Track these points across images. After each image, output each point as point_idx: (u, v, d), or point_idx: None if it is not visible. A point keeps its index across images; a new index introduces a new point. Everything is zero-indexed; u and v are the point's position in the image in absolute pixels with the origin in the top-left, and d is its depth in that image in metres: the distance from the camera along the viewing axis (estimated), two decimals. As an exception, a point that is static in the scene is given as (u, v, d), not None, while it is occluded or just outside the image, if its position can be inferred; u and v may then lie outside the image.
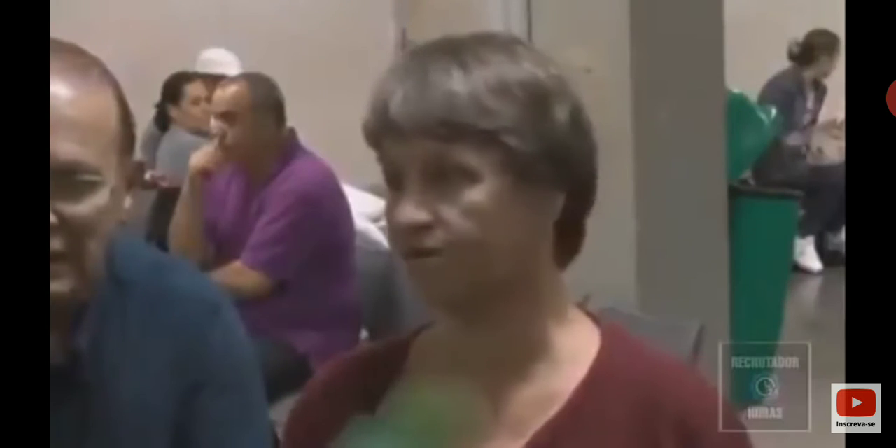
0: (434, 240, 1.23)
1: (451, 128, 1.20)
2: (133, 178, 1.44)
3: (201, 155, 3.97)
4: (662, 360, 1.35)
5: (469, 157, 1.21)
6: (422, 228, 1.22)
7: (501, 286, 1.26)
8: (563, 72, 1.28)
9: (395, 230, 1.25)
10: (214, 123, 3.93)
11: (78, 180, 1.34)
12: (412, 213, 1.22)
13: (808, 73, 7.59)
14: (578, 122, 1.27)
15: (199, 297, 1.53)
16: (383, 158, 1.26)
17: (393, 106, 1.23)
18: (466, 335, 1.30)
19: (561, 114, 1.25)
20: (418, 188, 1.23)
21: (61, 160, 1.32)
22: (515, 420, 1.28)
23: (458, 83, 1.21)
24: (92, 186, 1.35)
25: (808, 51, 7.55)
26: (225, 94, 3.92)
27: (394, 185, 1.25)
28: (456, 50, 1.24)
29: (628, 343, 1.34)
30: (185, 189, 4.00)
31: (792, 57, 7.57)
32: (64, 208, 1.33)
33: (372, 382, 1.34)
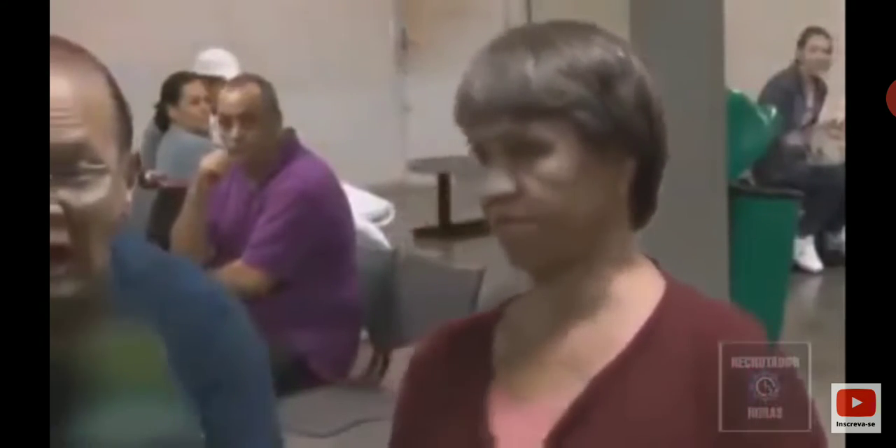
0: (518, 208, 1.39)
1: (525, 107, 1.37)
2: (132, 172, 1.42)
3: (213, 159, 3.96)
4: (722, 311, 1.46)
5: (544, 131, 1.37)
6: (506, 198, 1.39)
7: (579, 248, 1.42)
8: (630, 54, 1.45)
9: (484, 201, 1.41)
10: (232, 128, 3.89)
11: (82, 168, 1.31)
12: (497, 184, 1.39)
13: (801, 69, 7.61)
14: (643, 97, 1.43)
15: (209, 298, 1.51)
16: (471, 138, 1.43)
17: (475, 91, 1.40)
18: (542, 287, 1.46)
19: (625, 91, 1.41)
20: (502, 162, 1.39)
21: (66, 144, 1.30)
22: (581, 362, 1.41)
23: (530, 69, 1.37)
24: (96, 175, 1.33)
25: (797, 48, 7.62)
26: (238, 96, 3.91)
27: (483, 161, 1.42)
28: (532, 38, 1.41)
29: (690, 294, 1.46)
30: (191, 191, 3.99)
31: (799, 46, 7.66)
32: (68, 198, 1.31)
33: (473, 343, 1.51)
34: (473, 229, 8.57)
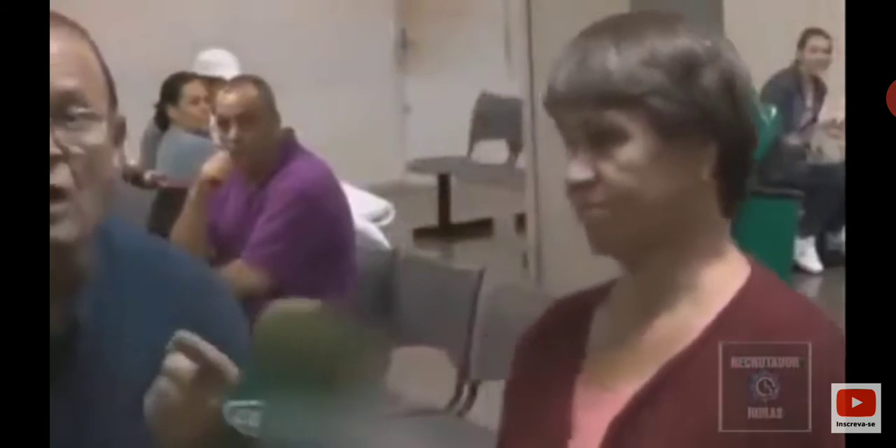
0: (597, 194, 1.42)
1: (604, 96, 1.40)
2: (119, 133, 1.46)
3: (214, 164, 3.95)
4: (799, 305, 1.48)
5: (621, 119, 1.40)
6: (587, 185, 1.42)
7: (659, 233, 1.45)
8: (719, 43, 1.47)
9: (567, 188, 1.44)
10: (231, 129, 3.89)
11: (78, 113, 1.37)
12: (577, 172, 1.41)
13: (801, 69, 7.61)
14: (730, 86, 1.44)
15: (197, 279, 1.53)
16: (560, 127, 1.45)
17: (558, 81, 1.42)
18: (630, 274, 1.50)
19: (709, 79, 1.43)
20: (584, 149, 1.42)
21: (61, 90, 1.36)
22: (660, 351, 1.44)
23: (611, 59, 1.40)
24: (90, 120, 1.38)
25: (802, 51, 7.62)
26: (236, 97, 3.91)
27: (570, 149, 1.44)
28: (617, 28, 1.44)
29: (770, 286, 1.49)
30: (192, 194, 3.99)
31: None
32: (66, 140, 1.35)
33: (574, 322, 1.57)
34: (473, 229, 8.58)
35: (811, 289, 7.22)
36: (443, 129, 9.26)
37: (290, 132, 4.01)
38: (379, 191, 5.79)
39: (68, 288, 1.41)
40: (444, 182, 8.62)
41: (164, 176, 5.81)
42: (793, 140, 7.44)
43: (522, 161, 5.89)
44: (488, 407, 3.99)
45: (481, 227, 8.52)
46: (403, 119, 10.39)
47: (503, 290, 3.90)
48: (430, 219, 8.45)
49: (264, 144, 3.90)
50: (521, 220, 6.82)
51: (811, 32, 7.61)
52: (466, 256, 7.56)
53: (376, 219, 5.37)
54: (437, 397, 3.97)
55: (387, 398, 3.87)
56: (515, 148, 8.14)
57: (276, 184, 3.89)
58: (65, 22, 1.43)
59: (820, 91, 7.73)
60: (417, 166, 9.02)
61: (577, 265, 4.13)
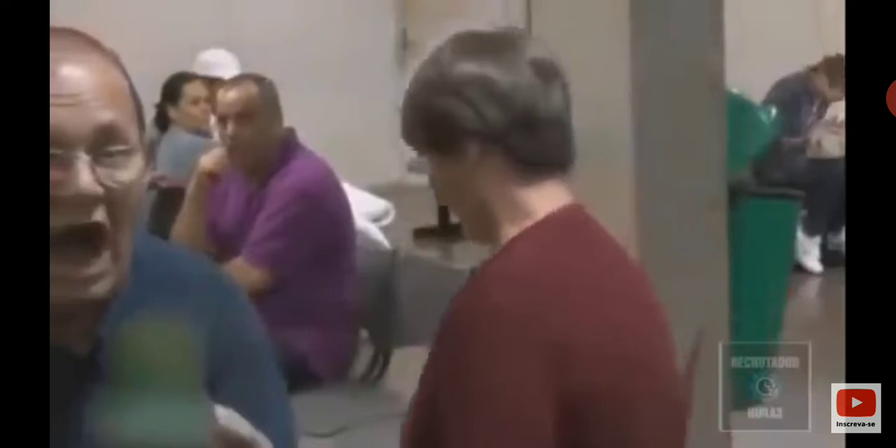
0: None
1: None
2: (149, 155, 1.44)
3: (211, 158, 3.96)
4: (508, 268, 1.68)
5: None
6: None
7: (469, 212, 1.83)
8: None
9: None
10: (228, 126, 3.90)
11: (115, 150, 1.34)
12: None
13: (820, 82, 7.54)
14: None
15: (211, 280, 1.52)
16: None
17: None
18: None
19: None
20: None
21: (99, 125, 1.33)
22: None
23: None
24: (127, 156, 1.35)
25: (828, 74, 7.47)
26: (235, 95, 3.91)
27: None
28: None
29: (525, 245, 1.73)
30: (190, 190, 3.99)
31: (814, 69, 7.55)
32: (105, 178, 1.32)
33: None
34: (473, 229, 8.58)
35: (811, 289, 7.21)
36: (443, 129, 9.24)
37: (291, 131, 4.01)
38: (379, 191, 5.79)
39: (94, 311, 1.40)
40: (444, 182, 8.61)
41: (164, 176, 5.81)
42: (792, 140, 7.43)
43: (522, 161, 5.86)
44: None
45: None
46: (403, 119, 10.38)
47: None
48: (430, 219, 8.44)
49: (262, 142, 3.90)
50: (521, 220, 6.80)
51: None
52: (466, 256, 7.56)
53: (376, 219, 5.37)
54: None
55: (387, 398, 3.87)
56: (515, 148, 8.13)
57: (277, 182, 3.89)
58: (96, 48, 1.39)
59: (823, 104, 7.70)
60: (417, 166, 8.99)
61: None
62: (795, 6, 8.55)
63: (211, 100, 5.86)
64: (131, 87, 1.41)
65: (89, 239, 1.33)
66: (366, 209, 5.09)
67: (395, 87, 10.42)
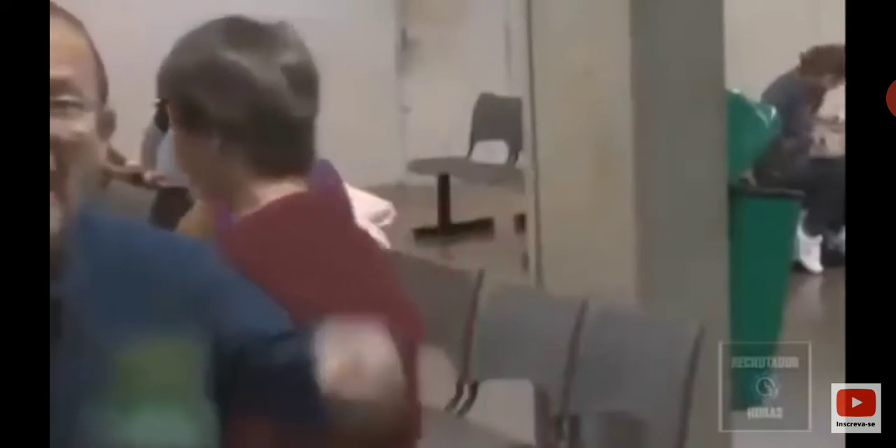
0: None
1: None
2: (107, 126, 1.48)
3: None
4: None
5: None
6: None
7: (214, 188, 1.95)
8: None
9: None
10: None
11: (66, 100, 1.40)
12: None
13: (812, 81, 7.57)
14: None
15: (158, 236, 1.60)
16: None
17: None
18: None
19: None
20: None
21: (52, 78, 1.38)
22: None
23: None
24: (78, 109, 1.41)
25: (814, 66, 7.52)
26: None
27: None
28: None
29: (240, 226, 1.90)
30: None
31: (802, 65, 7.57)
32: (53, 127, 1.37)
33: None
34: (473, 229, 8.58)
35: (812, 289, 7.21)
36: (443, 129, 9.25)
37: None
38: (379, 191, 5.78)
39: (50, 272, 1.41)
40: (444, 182, 8.61)
41: (164, 176, 5.81)
42: (791, 140, 7.43)
43: (522, 161, 5.89)
44: (488, 407, 3.99)
45: (481, 227, 8.51)
46: (403, 119, 10.38)
47: (503, 290, 3.90)
48: (430, 219, 8.44)
49: None
50: (521, 220, 6.82)
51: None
52: (466, 256, 7.56)
53: (376, 219, 5.37)
54: (437, 397, 3.97)
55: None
56: (515, 148, 8.14)
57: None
58: (61, 13, 1.45)
59: (818, 99, 7.71)
60: (417, 166, 9.01)
61: (577, 265, 4.13)
62: (795, 6, 8.55)
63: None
64: (95, 54, 1.47)
65: None
66: (366, 209, 5.09)
67: (395, 87, 10.42)
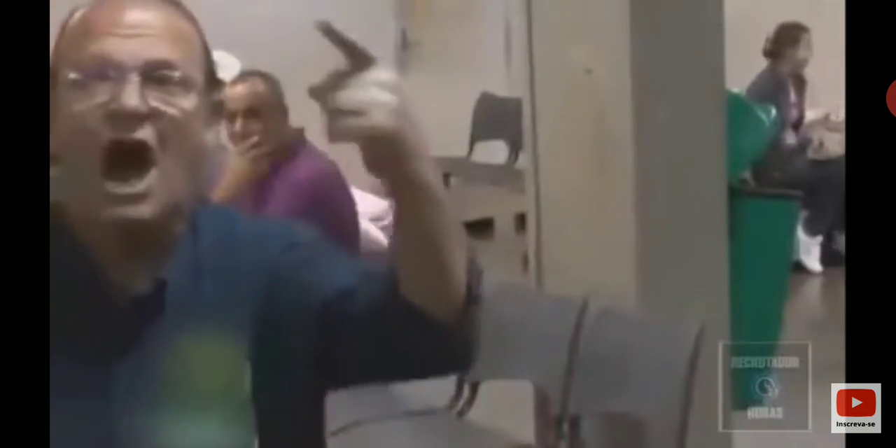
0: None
1: None
2: (216, 113, 1.50)
3: (243, 164, 3.92)
4: None
5: None
6: None
7: None
8: None
9: None
10: (237, 122, 3.90)
11: (170, 76, 1.41)
12: None
13: (784, 68, 7.59)
14: None
15: (261, 238, 1.55)
16: None
17: None
18: None
19: None
20: None
21: (157, 58, 1.41)
22: None
23: None
24: (182, 88, 1.42)
25: (775, 46, 7.58)
26: (243, 90, 3.93)
27: None
28: None
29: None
30: (228, 185, 3.96)
31: (766, 54, 7.60)
32: (155, 100, 1.39)
33: None
34: (473, 229, 8.57)
35: (811, 289, 7.21)
36: (443, 129, 9.24)
37: (300, 131, 4.02)
38: (379, 191, 5.78)
39: (155, 252, 1.45)
40: (444, 182, 8.61)
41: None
42: (790, 139, 7.42)
43: (522, 161, 5.89)
44: (488, 407, 3.99)
45: (481, 227, 8.51)
46: (403, 119, 10.37)
47: (503, 290, 3.90)
48: (431, 219, 8.44)
49: (272, 139, 3.91)
50: (521, 220, 6.82)
51: (801, 30, 7.59)
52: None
53: (376, 219, 5.37)
54: (437, 397, 3.97)
55: (387, 398, 3.87)
56: (515, 148, 8.14)
57: (284, 176, 3.90)
58: (172, 4, 1.49)
59: (801, 85, 7.71)
60: (417, 166, 9.02)
61: (577, 265, 4.13)
62: (796, 6, 8.54)
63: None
64: (202, 41, 1.50)
65: (135, 157, 1.38)
66: (366, 209, 5.09)
67: (395, 87, 10.43)
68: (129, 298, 1.42)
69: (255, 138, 3.92)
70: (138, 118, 1.38)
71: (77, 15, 1.44)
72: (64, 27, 1.44)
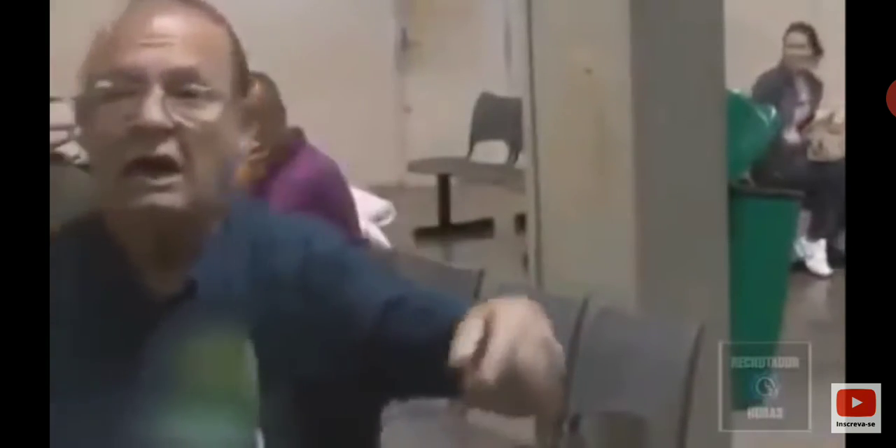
0: None
1: None
2: (247, 119, 1.50)
3: (242, 169, 3.94)
4: None
5: None
6: None
7: None
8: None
9: None
10: None
11: (193, 90, 1.42)
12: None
13: (794, 67, 7.59)
14: None
15: (296, 237, 1.54)
16: None
17: None
18: None
19: None
20: None
21: (180, 68, 1.42)
22: None
23: None
24: (206, 99, 1.43)
25: (784, 47, 7.60)
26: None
27: None
28: None
29: None
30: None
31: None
32: (179, 115, 1.40)
33: None
34: (473, 229, 8.58)
35: (819, 292, 7.20)
36: (443, 129, 9.24)
37: (299, 132, 4.02)
38: (379, 191, 5.79)
39: (185, 254, 1.46)
40: (444, 182, 8.61)
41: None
42: (791, 138, 7.42)
43: (522, 161, 5.89)
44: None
45: (481, 227, 8.51)
46: (403, 119, 10.38)
47: (503, 290, 3.90)
48: (430, 219, 8.44)
49: (270, 141, 3.91)
50: (521, 220, 6.82)
51: (793, 28, 7.61)
52: (466, 256, 7.56)
53: (376, 219, 5.37)
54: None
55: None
56: (515, 148, 8.14)
57: (283, 175, 3.90)
58: (199, 5, 1.49)
59: (814, 86, 7.70)
60: (417, 166, 9.01)
61: (577, 265, 4.13)
62: (795, 5, 8.54)
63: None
64: (235, 47, 1.50)
65: (160, 166, 1.40)
66: (366, 209, 5.09)
67: (395, 87, 10.42)
68: (162, 299, 1.44)
69: (254, 143, 3.92)
70: (161, 134, 1.39)
71: (109, 24, 1.46)
72: (99, 36, 1.46)
